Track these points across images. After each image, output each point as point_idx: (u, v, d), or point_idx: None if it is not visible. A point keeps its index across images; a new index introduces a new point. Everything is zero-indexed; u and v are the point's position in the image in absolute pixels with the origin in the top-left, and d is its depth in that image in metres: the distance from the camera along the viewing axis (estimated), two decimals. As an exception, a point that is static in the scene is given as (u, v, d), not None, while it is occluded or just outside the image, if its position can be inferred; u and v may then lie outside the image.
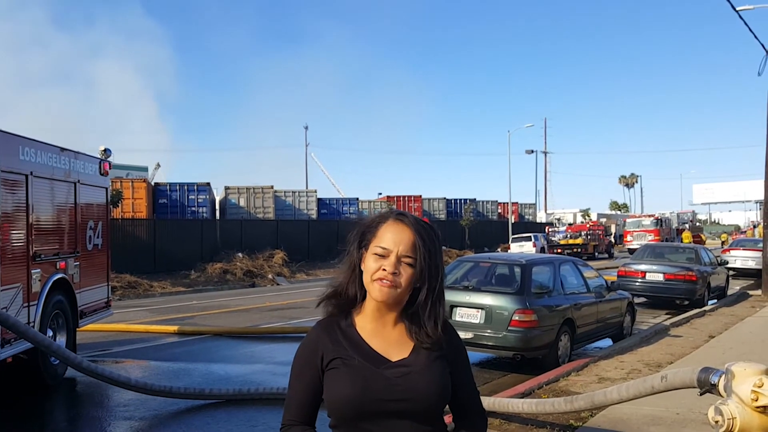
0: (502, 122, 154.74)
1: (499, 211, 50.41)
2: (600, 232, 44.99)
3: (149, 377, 8.58)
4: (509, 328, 9.02)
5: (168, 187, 32.87)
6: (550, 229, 44.89)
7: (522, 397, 7.37)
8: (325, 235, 34.88)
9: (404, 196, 43.23)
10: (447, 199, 45.59)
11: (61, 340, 8.78)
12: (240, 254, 28.70)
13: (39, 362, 8.11)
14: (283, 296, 21.10)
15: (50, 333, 8.45)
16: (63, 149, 8.86)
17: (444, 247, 32.25)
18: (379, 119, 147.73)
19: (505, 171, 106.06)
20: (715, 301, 17.55)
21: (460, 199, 46.37)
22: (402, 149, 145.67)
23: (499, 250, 40.65)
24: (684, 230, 46.96)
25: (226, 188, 35.11)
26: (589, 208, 69.98)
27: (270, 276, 27.50)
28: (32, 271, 7.87)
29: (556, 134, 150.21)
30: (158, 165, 54.19)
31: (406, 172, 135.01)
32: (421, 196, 44.03)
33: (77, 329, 9.33)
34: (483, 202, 49.34)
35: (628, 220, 49.70)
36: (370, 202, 41.33)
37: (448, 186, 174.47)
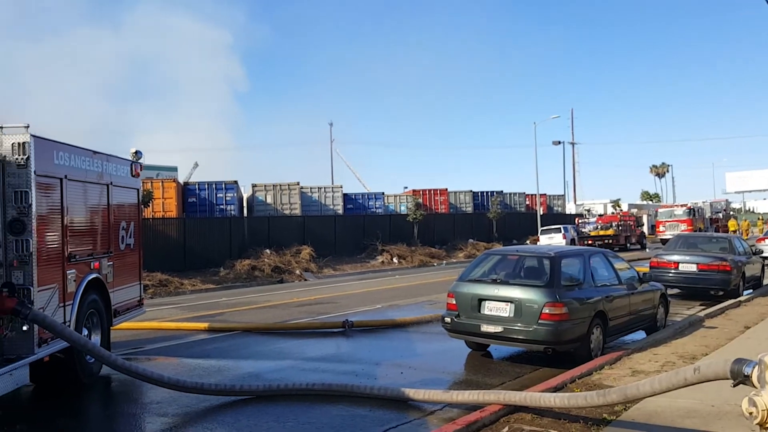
0: (528, 114, 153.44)
1: (527, 203, 49.95)
2: (631, 223, 44.29)
3: (181, 374, 8.69)
4: (539, 321, 8.93)
5: (197, 186, 33.24)
6: (580, 221, 44.31)
7: (554, 392, 7.33)
8: (351, 230, 34.97)
9: (430, 190, 43.07)
10: (473, 192, 45.29)
11: (96, 338, 8.94)
12: (268, 251, 28.93)
13: (75, 361, 8.26)
14: (310, 292, 21.22)
15: (85, 332, 8.61)
16: (95, 152, 9.00)
17: (471, 240, 31.93)
18: (404, 113, 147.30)
19: (532, 163, 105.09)
20: (751, 291, 17.19)
21: (487, 192, 46.02)
22: (427, 143, 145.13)
23: (528, 242, 40.28)
24: (729, 218, 45.98)
25: (253, 186, 35.38)
26: (619, 199, 68.97)
27: (297, 272, 27.67)
28: (67, 272, 8.03)
29: (583, 125, 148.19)
30: (196, 164, 54.90)
31: (432, 165, 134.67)
32: (447, 189, 43.83)
33: (111, 328, 9.50)
34: (510, 194, 48.92)
35: (660, 210, 48.87)
36: (395, 196, 41.28)
37: (474, 179, 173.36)
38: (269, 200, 34.82)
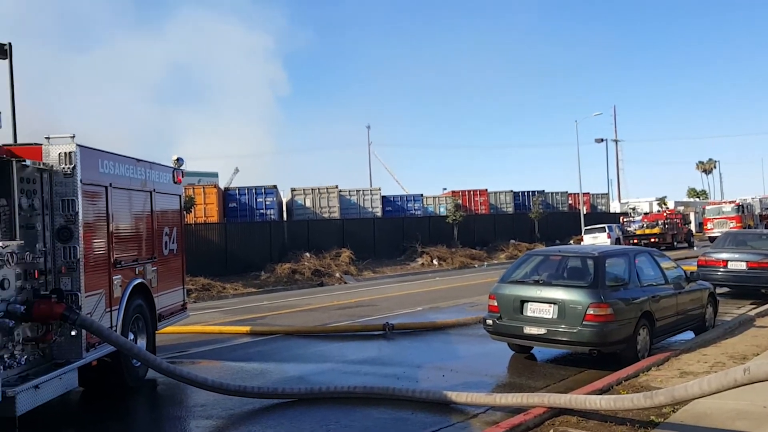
0: (569, 112, 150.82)
1: (570, 202, 49.20)
2: (678, 221, 43.24)
3: (224, 377, 8.79)
4: (584, 322, 8.79)
5: (237, 191, 33.76)
6: (624, 219, 43.46)
7: (600, 394, 7.21)
8: (390, 233, 35.00)
9: (470, 191, 42.83)
10: (514, 192, 44.86)
11: (142, 342, 9.12)
12: (307, 254, 29.16)
13: (122, 365, 8.45)
14: (351, 294, 21.29)
15: (131, 336, 8.78)
16: (139, 160, 9.20)
17: (513, 241, 31.59)
18: (442, 114, 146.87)
19: (574, 161, 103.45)
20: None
21: (528, 192, 45.50)
22: (466, 143, 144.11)
23: (571, 242, 39.65)
24: None
25: (292, 190, 35.74)
26: (665, 196, 67.30)
27: (337, 275, 27.81)
28: (113, 278, 8.20)
29: (626, 121, 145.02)
30: (237, 170, 55.80)
31: (471, 166, 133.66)
32: (486, 189, 43.51)
33: (156, 332, 9.68)
34: (552, 193, 48.28)
35: (707, 208, 47.65)
36: (434, 197, 41.16)
37: (515, 178, 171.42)
38: (308, 204, 35.11)
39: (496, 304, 9.77)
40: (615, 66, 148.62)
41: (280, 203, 35.31)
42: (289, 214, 35.42)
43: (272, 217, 33.13)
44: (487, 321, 9.87)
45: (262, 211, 33.05)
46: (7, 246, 6.47)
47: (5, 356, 6.41)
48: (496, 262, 34.90)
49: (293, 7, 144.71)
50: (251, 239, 29.10)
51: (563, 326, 8.95)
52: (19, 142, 8.33)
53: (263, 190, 33.34)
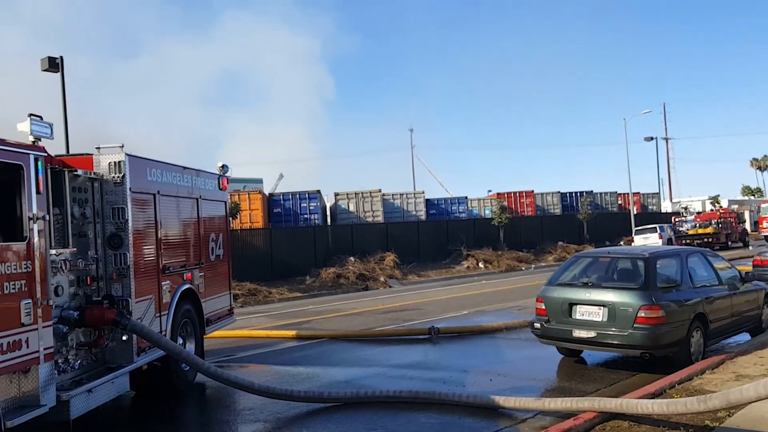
0: (617, 110, 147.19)
1: (620, 202, 48.09)
2: (732, 220, 41.84)
3: (271, 381, 8.86)
4: (635, 325, 8.59)
5: (281, 196, 34.12)
6: (676, 219, 42.26)
7: (652, 398, 7.03)
8: (434, 236, 34.85)
9: (515, 192, 42.31)
10: (561, 193, 44.11)
11: (190, 347, 9.27)
12: (352, 258, 29.26)
13: (171, 369, 8.60)
14: (395, 298, 21.26)
15: (180, 341, 8.94)
16: (185, 168, 9.38)
17: (561, 243, 30.92)
18: (486, 115, 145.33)
19: (622, 161, 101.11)
20: None
21: (576, 192, 44.66)
22: (511, 144, 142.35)
23: (621, 243, 38.74)
24: None
25: (336, 194, 35.94)
26: (718, 195, 65.11)
27: (382, 278, 27.82)
28: (162, 283, 8.37)
29: (676, 119, 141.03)
30: (281, 175, 56.58)
31: (517, 167, 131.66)
32: (533, 191, 42.91)
33: (204, 336, 9.83)
34: (601, 194, 47.27)
35: (762, 206, 46.05)
36: (479, 200, 40.82)
37: (561, 179, 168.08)
38: (352, 208, 35.27)
39: (543, 307, 9.63)
40: (664, 62, 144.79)
41: (324, 208, 35.55)
42: (333, 218, 35.63)
43: (316, 221, 33.39)
44: (535, 324, 9.74)
45: (306, 216, 33.33)
46: (60, 254, 6.66)
47: (60, 361, 6.60)
48: (543, 264, 34.38)
49: (340, 12, 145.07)
50: (296, 244, 29.37)
51: (613, 329, 8.77)
52: (71, 152, 8.58)
53: (307, 195, 33.61)
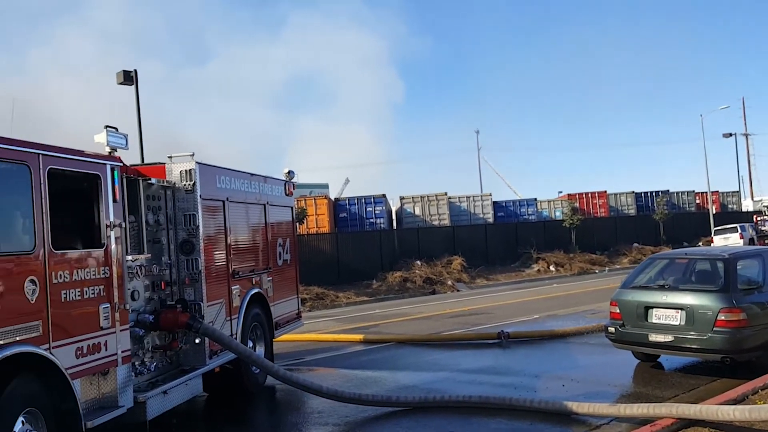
0: (692, 106, 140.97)
1: (697, 201, 46.18)
2: (818, 218, 39.52)
3: (339, 385, 8.89)
4: (715, 329, 8.22)
5: (347, 201, 34.46)
6: (758, 218, 40.23)
7: (734, 404, 6.77)
8: (503, 239, 34.38)
9: (587, 193, 41.28)
10: (636, 193, 42.75)
11: (260, 350, 9.44)
12: (418, 262, 29.20)
13: (242, 371, 8.76)
14: (463, 302, 21.06)
15: (250, 344, 9.10)
16: (253, 174, 9.58)
17: (636, 244, 29.74)
18: (556, 115, 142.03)
19: (699, 158, 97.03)
20: None
21: (651, 192, 43.13)
22: (581, 144, 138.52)
23: (700, 244, 37.15)
24: None
25: (401, 198, 36.01)
26: (803, 192, 61.74)
27: (449, 282, 27.63)
28: (232, 287, 8.56)
29: (756, 114, 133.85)
30: (347, 180, 57.17)
31: (588, 167, 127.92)
32: (606, 191, 41.76)
33: (273, 340, 9.98)
34: (677, 193, 45.52)
35: None
36: (549, 201, 40.04)
37: (635, 179, 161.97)
38: (417, 212, 35.23)
39: (618, 311, 9.35)
40: (741, 55, 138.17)
41: (389, 212, 35.66)
42: (399, 222, 35.70)
43: (382, 225, 33.52)
44: (609, 329, 9.46)
45: (371, 220, 33.53)
46: (136, 259, 6.90)
47: (136, 363, 6.83)
48: (617, 266, 33.35)
49: (409, 12, 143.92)
50: (362, 248, 29.56)
51: (692, 333, 8.42)
52: (145, 161, 8.89)
53: (372, 200, 33.81)
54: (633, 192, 42.82)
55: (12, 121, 6.60)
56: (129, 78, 18.33)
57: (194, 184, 7.74)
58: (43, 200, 5.44)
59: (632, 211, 41.97)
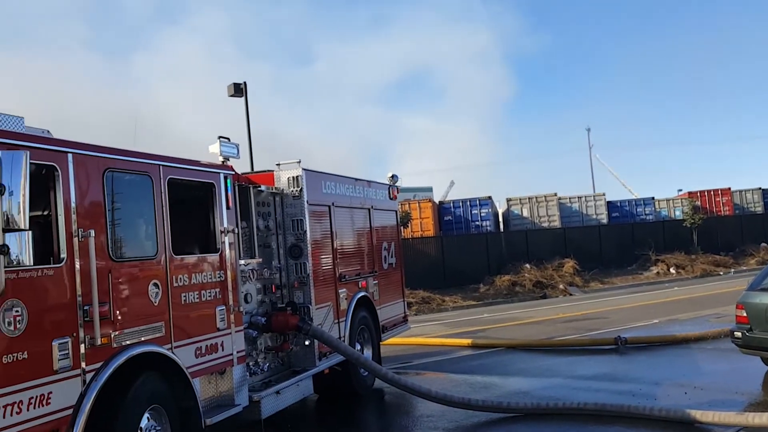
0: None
1: (839, 196, 42.15)
2: None
3: (448, 389, 8.81)
4: None
5: (451, 204, 34.23)
6: None
7: None
8: (618, 240, 32.87)
9: (709, 191, 38.69)
10: (763, 189, 39.57)
11: (368, 353, 9.53)
12: (527, 265, 28.47)
13: (351, 374, 8.90)
14: (576, 307, 20.31)
15: (358, 346, 9.23)
16: (357, 180, 9.72)
17: (764, 244, 27.27)
18: (673, 109, 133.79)
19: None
20: None
21: (781, 188, 39.92)
22: (702, 138, 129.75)
23: None
24: None
25: (508, 200, 35.32)
26: None
27: (561, 286, 26.75)
28: (339, 291, 8.71)
29: None
30: (452, 183, 56.93)
31: (709, 163, 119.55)
32: (729, 188, 38.98)
33: (380, 343, 10.06)
34: (812, 187, 41.80)
35: None
36: (668, 200, 37.89)
37: (763, 174, 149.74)
38: (525, 213, 34.44)
39: (745, 314, 8.71)
40: None
41: (496, 214, 35.06)
42: (506, 224, 35.02)
43: (488, 228, 33.01)
44: (735, 333, 8.82)
45: (477, 222, 33.11)
46: (248, 264, 7.19)
47: (250, 363, 7.09)
48: (744, 268, 31.00)
49: (523, 8, 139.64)
50: (468, 251, 29.21)
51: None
52: (254, 169, 9.24)
53: (478, 202, 33.40)
54: (760, 188, 39.66)
55: (135, 137, 7.06)
56: (239, 90, 19.23)
57: (301, 190, 7.95)
58: (164, 208, 5.77)
59: (759, 209, 38.91)
